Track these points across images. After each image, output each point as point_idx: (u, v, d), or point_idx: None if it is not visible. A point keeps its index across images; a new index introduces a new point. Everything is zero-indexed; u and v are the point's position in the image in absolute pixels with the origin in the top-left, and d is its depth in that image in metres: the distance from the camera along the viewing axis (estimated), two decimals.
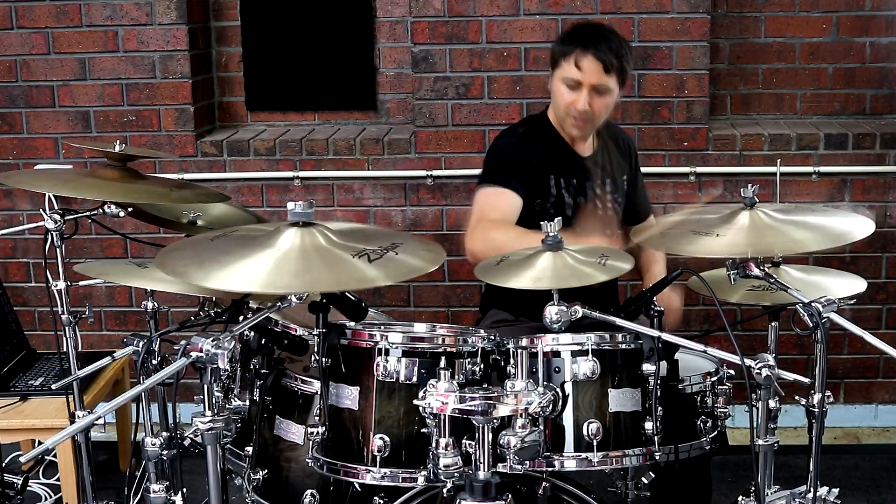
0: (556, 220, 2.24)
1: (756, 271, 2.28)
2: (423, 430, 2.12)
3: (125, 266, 2.63)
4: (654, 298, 2.33)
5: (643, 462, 2.21)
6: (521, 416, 2.02)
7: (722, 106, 4.12)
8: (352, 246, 2.10)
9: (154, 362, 2.31)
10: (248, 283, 2.00)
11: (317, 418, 2.21)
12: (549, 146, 2.95)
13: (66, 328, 2.60)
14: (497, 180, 2.85)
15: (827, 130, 3.91)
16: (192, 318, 2.48)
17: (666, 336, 2.16)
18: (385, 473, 2.17)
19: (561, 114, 2.90)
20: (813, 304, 2.14)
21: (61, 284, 2.59)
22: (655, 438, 2.18)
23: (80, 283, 2.68)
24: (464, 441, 2.05)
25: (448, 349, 2.20)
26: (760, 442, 2.19)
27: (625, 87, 2.93)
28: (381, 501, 2.34)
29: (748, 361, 2.08)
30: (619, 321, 2.18)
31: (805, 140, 3.89)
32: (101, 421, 1.93)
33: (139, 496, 2.80)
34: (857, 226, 2.37)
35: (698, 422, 2.31)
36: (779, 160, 3.04)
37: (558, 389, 2.16)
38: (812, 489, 2.28)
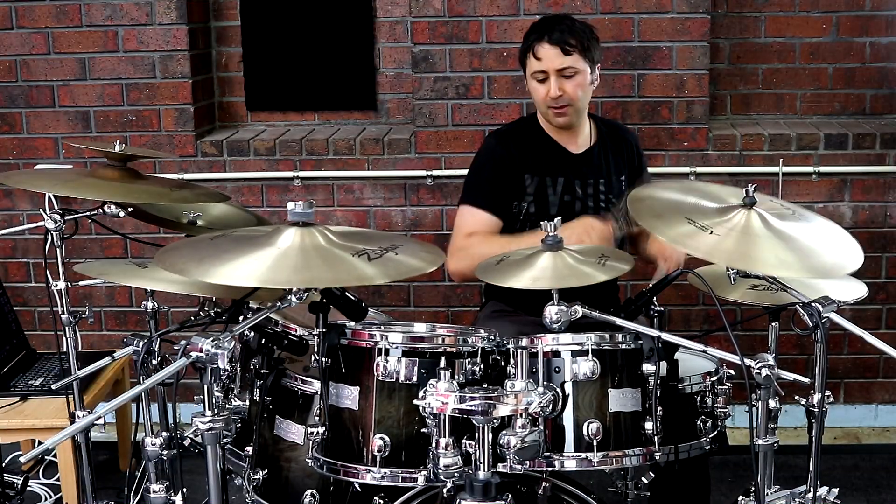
0: (556, 219, 2.25)
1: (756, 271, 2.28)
2: (423, 430, 2.12)
3: (125, 266, 2.63)
4: (655, 298, 2.34)
5: (643, 462, 2.21)
6: (521, 416, 2.02)
7: (722, 106, 4.12)
8: (351, 246, 2.11)
9: (154, 362, 2.31)
10: (247, 279, 2.01)
11: (317, 418, 2.21)
12: (532, 144, 2.98)
13: (66, 328, 2.60)
14: (477, 200, 2.95)
15: (827, 130, 3.91)
16: (192, 318, 2.48)
17: (666, 336, 2.16)
18: (385, 473, 2.16)
19: (543, 109, 2.97)
20: (813, 304, 2.14)
21: (61, 284, 2.59)
22: (655, 438, 2.18)
23: (80, 283, 2.69)
24: (464, 441, 2.05)
25: (448, 349, 2.20)
26: (760, 442, 2.18)
27: (597, 65, 2.96)
28: (381, 501, 2.34)
29: (748, 361, 2.08)
30: (619, 321, 2.18)
31: (805, 140, 3.89)
32: (101, 421, 1.93)
33: (139, 496, 2.80)
34: (846, 259, 2.28)
35: (698, 422, 2.31)
36: (781, 160, 3.03)
37: (558, 389, 2.16)
38: (812, 489, 2.28)
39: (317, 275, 2.03)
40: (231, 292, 2.39)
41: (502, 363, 2.25)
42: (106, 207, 2.53)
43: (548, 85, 2.89)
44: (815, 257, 2.25)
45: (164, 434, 2.32)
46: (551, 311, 2.13)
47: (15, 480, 2.51)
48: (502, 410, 1.99)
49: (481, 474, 2.01)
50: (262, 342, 2.33)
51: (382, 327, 2.29)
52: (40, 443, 2.11)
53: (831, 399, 2.23)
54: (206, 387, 1.97)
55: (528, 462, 2.11)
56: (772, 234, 2.24)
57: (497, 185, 2.94)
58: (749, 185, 2.34)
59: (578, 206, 2.98)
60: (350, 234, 2.21)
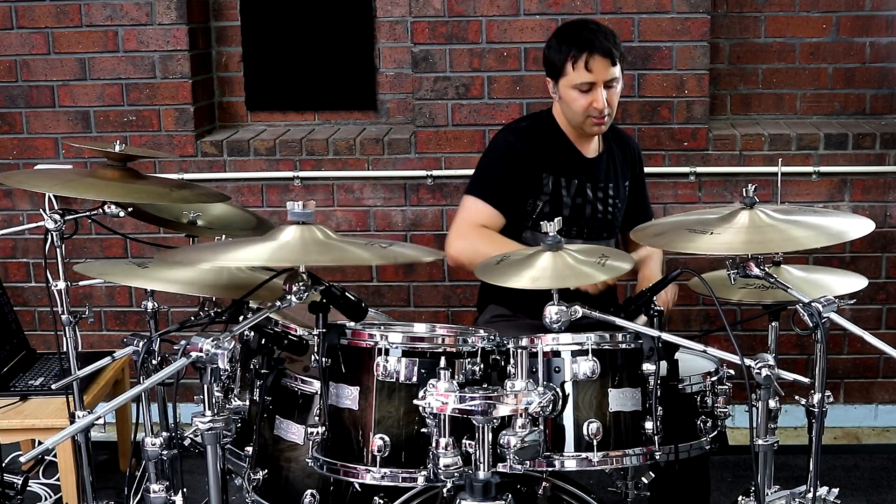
0: (556, 219, 2.24)
1: (756, 271, 2.28)
2: (423, 430, 2.12)
3: (125, 266, 2.63)
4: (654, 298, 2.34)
5: (643, 462, 2.21)
6: (521, 415, 2.02)
7: (722, 106, 4.12)
8: (351, 241, 2.13)
9: (154, 362, 2.31)
10: (252, 260, 2.14)
11: (317, 418, 2.21)
12: (551, 144, 2.96)
13: (66, 328, 2.60)
14: (486, 194, 2.92)
15: (827, 130, 3.91)
16: (192, 318, 2.48)
17: (666, 336, 2.16)
18: (385, 473, 2.17)
19: (579, 118, 2.90)
20: (813, 303, 2.14)
21: (61, 284, 2.59)
22: (655, 438, 2.18)
23: (80, 283, 2.69)
24: (464, 441, 2.05)
25: (448, 349, 2.20)
26: (760, 442, 2.19)
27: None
28: (381, 501, 2.34)
29: (748, 361, 2.08)
30: (619, 321, 2.18)
31: (805, 140, 3.89)
32: (101, 421, 1.93)
33: (139, 496, 2.80)
34: (855, 225, 2.37)
35: (698, 422, 2.31)
36: (780, 160, 3.04)
37: (558, 389, 2.16)
38: (812, 489, 2.28)
39: (316, 258, 2.10)
40: (231, 292, 2.39)
41: (502, 363, 2.25)
42: (106, 207, 2.53)
43: (591, 96, 2.85)
44: (827, 228, 2.35)
45: (164, 434, 2.33)
46: (551, 311, 2.13)
47: (15, 480, 2.52)
48: (502, 410, 1.99)
49: (481, 474, 2.01)
50: (262, 342, 2.33)
51: (382, 327, 2.29)
52: (40, 443, 2.11)
53: (831, 399, 2.24)
54: (206, 387, 1.97)
55: (528, 462, 2.11)
56: (779, 222, 2.32)
57: (511, 183, 2.91)
58: (749, 185, 2.36)
59: (588, 210, 2.98)
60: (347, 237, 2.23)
